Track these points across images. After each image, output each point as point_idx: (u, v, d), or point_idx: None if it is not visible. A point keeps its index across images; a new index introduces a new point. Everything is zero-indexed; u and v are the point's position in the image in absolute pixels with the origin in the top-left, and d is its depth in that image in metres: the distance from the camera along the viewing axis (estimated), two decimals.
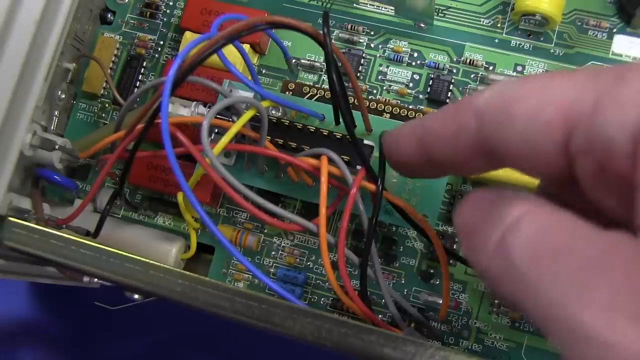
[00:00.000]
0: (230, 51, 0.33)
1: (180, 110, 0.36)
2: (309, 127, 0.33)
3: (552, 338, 0.17)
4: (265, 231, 0.38)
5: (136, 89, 0.40)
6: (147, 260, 0.29)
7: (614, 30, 0.36)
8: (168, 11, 0.41)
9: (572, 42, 0.37)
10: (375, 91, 0.38)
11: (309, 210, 0.37)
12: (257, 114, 0.31)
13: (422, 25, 0.38)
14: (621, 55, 0.36)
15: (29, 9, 0.32)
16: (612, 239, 0.17)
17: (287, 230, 0.38)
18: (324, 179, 0.30)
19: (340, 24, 0.39)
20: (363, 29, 0.39)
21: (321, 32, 0.29)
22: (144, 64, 0.40)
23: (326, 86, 0.38)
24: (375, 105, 0.37)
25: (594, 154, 0.17)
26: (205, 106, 0.37)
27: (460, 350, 0.35)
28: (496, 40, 0.38)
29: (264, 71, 0.39)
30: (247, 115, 0.31)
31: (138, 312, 0.51)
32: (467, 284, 0.35)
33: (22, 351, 0.55)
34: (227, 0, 0.39)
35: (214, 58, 0.30)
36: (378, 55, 0.38)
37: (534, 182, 0.34)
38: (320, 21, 0.30)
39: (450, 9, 0.38)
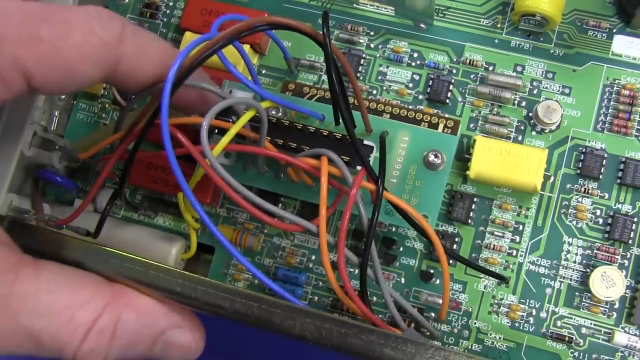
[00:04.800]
0: (230, 51, 0.33)
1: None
2: (309, 127, 0.33)
3: None
4: (265, 231, 0.38)
5: None
6: (147, 260, 0.29)
7: (614, 31, 0.37)
8: (168, 11, 0.41)
9: (572, 42, 0.37)
10: (375, 91, 0.38)
11: (309, 210, 0.37)
12: (257, 115, 0.31)
13: (422, 25, 0.38)
14: (621, 56, 0.36)
15: None
16: None
17: (287, 231, 0.38)
18: (324, 179, 0.30)
19: (340, 24, 0.39)
20: (363, 29, 0.39)
21: (321, 32, 0.29)
22: None
23: (326, 86, 0.38)
24: (375, 105, 0.37)
25: None
26: None
27: (460, 350, 0.35)
28: (496, 41, 0.38)
29: (264, 71, 0.39)
30: (247, 116, 0.31)
31: None
32: (467, 284, 0.35)
33: None
34: (227, 1, 0.39)
35: (214, 58, 0.30)
36: (378, 55, 0.38)
37: (534, 182, 0.34)
38: (320, 21, 0.30)
39: (450, 9, 0.38)
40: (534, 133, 0.36)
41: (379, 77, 0.38)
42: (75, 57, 0.23)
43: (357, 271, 0.32)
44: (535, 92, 0.37)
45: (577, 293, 0.35)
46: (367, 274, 0.31)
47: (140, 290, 0.27)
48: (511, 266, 0.35)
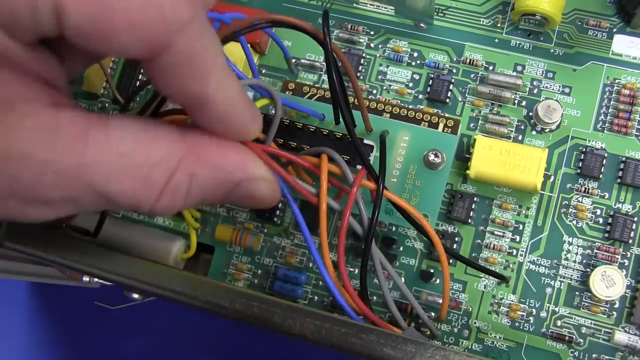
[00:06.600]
0: (230, 51, 0.33)
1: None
2: (309, 126, 0.33)
3: None
4: (265, 231, 0.38)
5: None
6: (147, 260, 0.29)
7: (614, 30, 0.37)
8: None
9: (572, 42, 0.37)
10: (375, 91, 0.38)
11: (309, 210, 0.37)
12: (269, 115, 0.31)
13: (422, 25, 0.38)
14: (621, 55, 0.36)
15: None
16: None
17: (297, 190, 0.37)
18: (324, 176, 0.30)
19: (340, 23, 0.39)
20: (363, 28, 0.39)
21: (321, 31, 0.29)
22: None
23: (326, 86, 0.38)
24: (375, 105, 0.37)
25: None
26: None
27: (460, 349, 0.35)
28: (496, 40, 0.38)
29: (264, 71, 0.39)
30: (260, 103, 0.31)
31: (138, 312, 0.51)
32: (467, 284, 0.35)
33: (22, 351, 0.55)
34: (227, 0, 0.39)
35: None
36: (378, 55, 0.38)
37: (534, 181, 0.34)
38: (320, 21, 0.30)
39: (450, 9, 0.38)
40: (534, 132, 0.36)
41: (379, 77, 0.38)
42: (121, 13, 0.20)
43: (357, 271, 0.32)
44: (535, 91, 0.37)
45: (577, 293, 0.34)
46: (373, 268, 0.31)
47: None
48: (511, 266, 0.35)
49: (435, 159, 0.33)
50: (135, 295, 0.38)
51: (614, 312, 0.34)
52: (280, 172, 0.27)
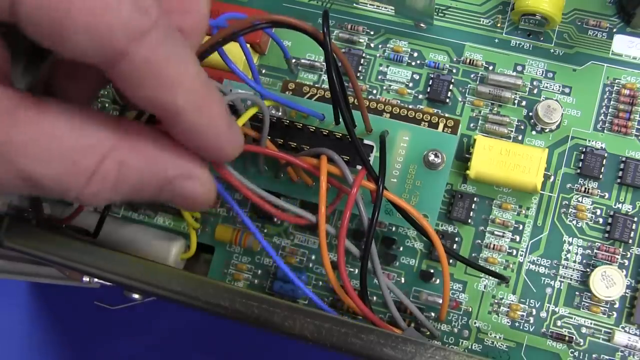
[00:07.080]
0: (230, 51, 0.33)
1: None
2: (309, 126, 0.33)
3: None
4: (265, 231, 0.38)
5: None
6: (147, 260, 0.29)
7: (614, 30, 0.37)
8: None
9: (572, 42, 0.37)
10: (375, 91, 0.38)
11: (308, 210, 0.37)
12: (258, 114, 0.31)
13: (422, 25, 0.38)
14: (621, 55, 0.36)
15: None
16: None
17: (289, 222, 0.38)
18: (323, 177, 0.30)
19: (340, 23, 0.39)
20: (363, 28, 0.39)
21: (321, 31, 0.29)
22: None
23: (326, 86, 0.38)
24: (375, 105, 0.37)
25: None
26: None
27: (460, 350, 0.35)
28: (496, 40, 0.38)
29: (264, 71, 0.39)
30: (249, 113, 0.31)
31: (138, 312, 0.51)
32: (467, 284, 0.35)
33: (23, 351, 0.55)
34: (227, 0, 0.39)
35: (215, 57, 0.30)
36: (378, 55, 0.38)
37: (534, 181, 0.34)
38: (320, 21, 0.30)
39: (450, 9, 0.38)
40: (534, 132, 0.36)
41: (379, 77, 0.38)
42: (76, 13, 0.19)
43: (357, 271, 0.32)
44: (535, 91, 0.37)
45: (577, 293, 0.34)
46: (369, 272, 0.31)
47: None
48: (511, 266, 0.35)
49: (435, 159, 0.33)
50: (135, 295, 0.38)
51: (614, 312, 0.34)
52: (285, 157, 0.27)
